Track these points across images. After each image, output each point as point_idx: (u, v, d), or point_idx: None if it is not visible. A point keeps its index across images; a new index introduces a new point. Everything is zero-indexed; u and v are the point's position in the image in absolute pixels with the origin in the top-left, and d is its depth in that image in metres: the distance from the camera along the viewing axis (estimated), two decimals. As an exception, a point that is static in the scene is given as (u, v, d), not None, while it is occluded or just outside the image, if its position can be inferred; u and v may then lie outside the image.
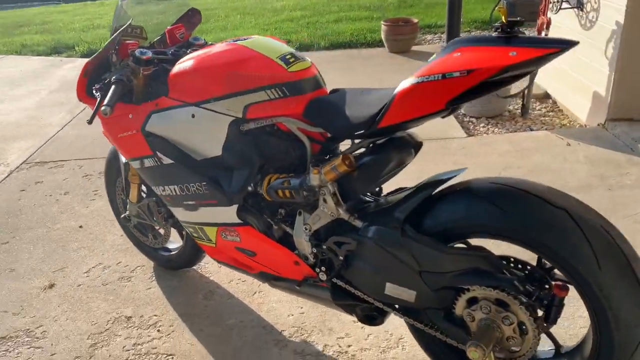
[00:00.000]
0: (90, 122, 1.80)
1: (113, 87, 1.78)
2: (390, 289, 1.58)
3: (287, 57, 1.71)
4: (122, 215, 2.39)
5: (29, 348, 2.11)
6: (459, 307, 1.50)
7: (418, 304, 1.57)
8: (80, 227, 2.93)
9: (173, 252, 2.44)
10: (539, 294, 1.42)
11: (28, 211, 3.14)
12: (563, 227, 1.31)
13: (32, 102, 5.25)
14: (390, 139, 1.62)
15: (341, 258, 1.65)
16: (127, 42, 1.95)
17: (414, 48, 6.09)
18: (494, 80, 1.28)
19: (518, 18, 1.33)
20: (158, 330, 2.16)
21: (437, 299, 1.53)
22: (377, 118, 1.46)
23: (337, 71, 5.38)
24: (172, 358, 2.02)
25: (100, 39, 7.73)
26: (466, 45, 1.34)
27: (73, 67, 6.57)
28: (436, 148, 3.57)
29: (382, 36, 6.07)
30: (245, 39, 1.78)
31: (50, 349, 2.10)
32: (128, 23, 1.98)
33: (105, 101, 1.74)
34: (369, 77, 5.22)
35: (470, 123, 4.01)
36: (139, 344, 2.09)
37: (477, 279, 1.44)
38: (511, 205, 1.38)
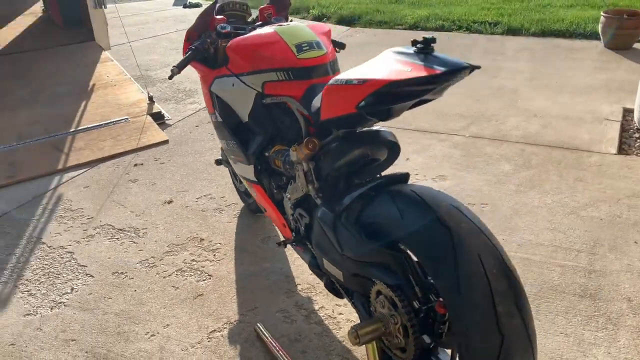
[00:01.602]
0: (169, 78, 2.29)
1: (188, 53, 2.23)
2: (326, 264, 1.75)
3: (304, 45, 1.92)
4: (216, 159, 2.91)
5: (129, 241, 2.80)
6: (372, 297, 1.61)
7: (346, 284, 1.71)
8: (216, 162, 3.57)
9: (251, 198, 2.88)
10: (427, 306, 1.46)
11: (189, 143, 3.93)
12: (440, 246, 1.33)
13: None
14: (362, 132, 1.74)
15: (302, 229, 1.86)
16: (217, 17, 2.37)
17: (637, 46, 5.31)
18: (397, 91, 1.35)
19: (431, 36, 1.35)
20: (214, 255, 2.64)
21: (357, 284, 1.65)
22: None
23: (524, 62, 5.08)
24: (210, 278, 2.48)
25: (332, 4, 8.42)
26: (390, 55, 1.42)
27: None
28: (567, 159, 3.28)
29: (599, 28, 5.42)
30: (283, 25, 2.05)
31: (141, 246, 2.75)
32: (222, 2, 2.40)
33: (176, 63, 2.20)
34: (552, 75, 4.81)
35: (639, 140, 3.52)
36: (195, 261, 2.61)
37: (381, 275, 1.53)
38: (407, 214, 1.43)
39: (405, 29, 6.97)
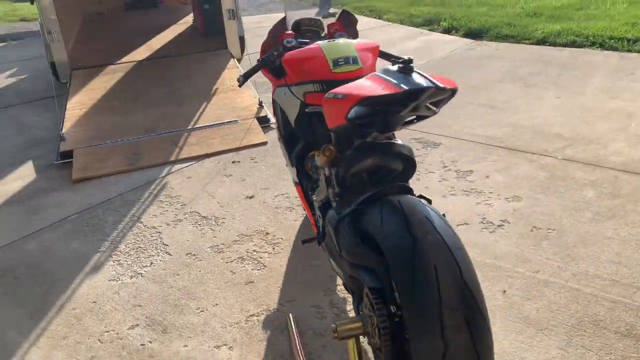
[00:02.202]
0: (239, 86, 2.57)
1: (255, 64, 2.49)
2: (332, 264, 1.88)
3: (340, 60, 2.07)
4: None
5: (208, 228, 3.15)
6: (363, 299, 1.72)
7: (346, 285, 1.83)
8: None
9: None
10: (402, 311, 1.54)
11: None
12: (403, 254, 1.42)
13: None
14: (376, 144, 1.85)
15: (321, 229, 2.01)
16: (287, 31, 2.60)
17: None
18: (373, 105, 1.47)
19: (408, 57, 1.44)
20: (273, 248, 2.88)
21: (353, 285, 1.77)
22: None
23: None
24: (264, 268, 2.73)
25: (464, 17, 8.30)
26: (378, 73, 1.53)
27: (423, 40, 7.44)
28: (662, 190, 3.00)
29: None
30: (329, 41, 2.21)
31: (216, 233, 3.09)
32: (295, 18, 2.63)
33: (242, 72, 2.47)
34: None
35: None
36: (256, 252, 2.87)
37: (366, 278, 1.64)
38: (386, 222, 1.52)
39: (532, 43, 6.67)
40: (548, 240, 2.71)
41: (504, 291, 2.39)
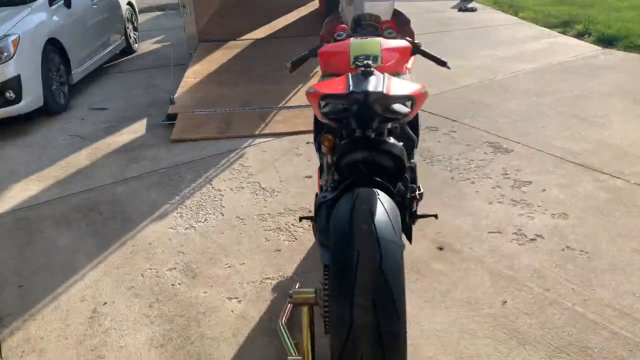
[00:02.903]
0: (290, 72, 2.80)
1: (302, 54, 2.72)
2: (316, 244, 2.08)
3: (361, 57, 2.23)
4: None
5: (262, 198, 3.47)
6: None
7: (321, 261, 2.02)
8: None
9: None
10: None
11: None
12: (337, 236, 1.59)
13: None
14: (368, 138, 2.00)
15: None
16: (340, 25, 2.78)
17: None
18: (335, 103, 1.65)
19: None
20: (309, 225, 3.13)
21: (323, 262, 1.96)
22: None
23: None
24: (294, 241, 2.99)
25: (603, 22, 7.70)
26: (349, 74, 1.70)
27: (548, 42, 7.07)
28: None
29: None
30: (361, 39, 2.37)
31: (267, 204, 3.39)
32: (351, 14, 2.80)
33: (291, 60, 2.71)
34: None
35: None
36: (293, 225, 3.13)
37: (324, 256, 1.83)
38: (339, 207, 1.69)
39: (668, 57, 6.06)
40: (575, 261, 2.64)
41: (505, 302, 2.41)
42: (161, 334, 2.36)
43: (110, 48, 7.00)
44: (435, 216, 2.35)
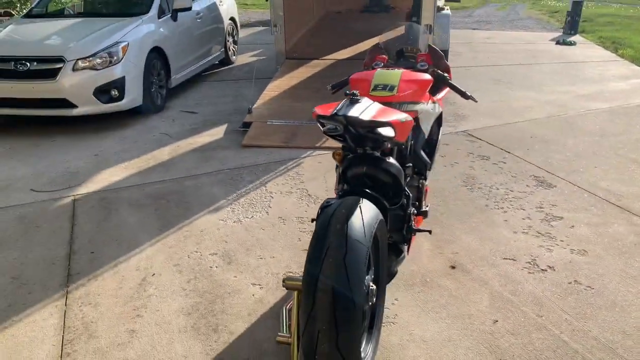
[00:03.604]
0: (331, 93, 3.15)
1: (344, 78, 3.06)
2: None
3: (379, 86, 2.54)
4: None
5: (306, 203, 3.85)
6: None
7: None
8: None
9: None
10: None
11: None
12: (316, 233, 1.93)
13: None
14: (369, 156, 2.31)
15: None
16: (380, 55, 3.10)
17: None
18: (325, 123, 1.99)
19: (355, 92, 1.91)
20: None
21: None
22: None
23: None
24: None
25: None
26: (345, 99, 2.04)
27: (635, 84, 6.88)
28: None
29: None
30: (387, 69, 2.68)
31: (309, 208, 3.76)
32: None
33: (332, 84, 3.07)
34: None
35: None
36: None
37: None
38: (324, 212, 2.02)
39: None
40: (578, 295, 2.75)
41: (496, 321, 2.59)
42: (191, 304, 2.79)
43: (209, 58, 7.75)
44: (429, 231, 2.59)
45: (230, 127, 5.60)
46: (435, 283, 2.90)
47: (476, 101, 2.94)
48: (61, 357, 2.45)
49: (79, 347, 2.51)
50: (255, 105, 5.73)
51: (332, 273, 1.80)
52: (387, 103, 2.52)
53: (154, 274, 3.06)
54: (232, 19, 8.76)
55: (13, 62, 5.36)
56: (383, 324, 2.57)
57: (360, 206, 2.00)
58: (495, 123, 5.49)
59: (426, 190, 2.83)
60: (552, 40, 10.76)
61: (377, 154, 2.32)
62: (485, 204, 3.75)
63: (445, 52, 8.12)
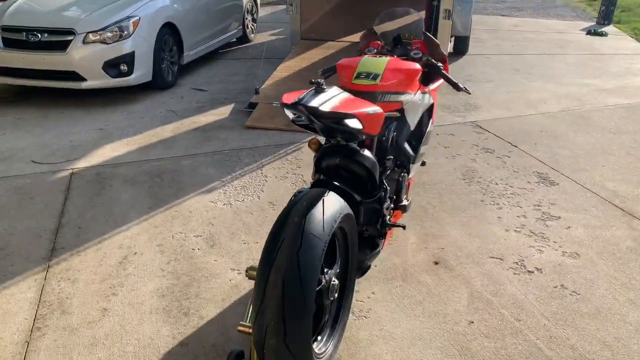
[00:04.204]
0: (324, 78, 3.07)
1: (334, 64, 2.98)
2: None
3: (363, 74, 2.46)
4: None
5: (293, 186, 3.79)
6: None
7: None
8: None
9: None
10: None
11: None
12: (272, 228, 1.88)
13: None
14: (344, 147, 2.24)
15: None
16: (374, 41, 3.00)
17: None
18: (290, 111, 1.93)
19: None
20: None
21: None
22: None
23: None
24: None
25: None
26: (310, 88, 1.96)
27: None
28: None
29: None
30: (373, 56, 2.58)
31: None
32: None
33: (323, 68, 2.99)
34: None
35: None
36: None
37: None
38: (288, 204, 1.96)
39: None
40: (562, 300, 2.65)
41: (471, 322, 2.52)
42: (167, 286, 2.78)
43: (225, 36, 7.69)
44: (403, 227, 2.51)
45: (237, 107, 5.56)
46: (415, 278, 2.83)
47: (469, 93, 2.82)
48: (31, 332, 2.47)
49: (50, 323, 2.52)
50: (263, 86, 5.67)
51: (283, 267, 1.75)
52: (370, 92, 2.44)
53: (135, 253, 3.06)
54: (251, -4, 8.67)
55: (25, 33, 5.40)
56: (355, 318, 2.53)
57: (323, 199, 1.94)
58: (506, 115, 5.32)
59: (409, 183, 2.75)
60: (583, 30, 10.37)
61: (353, 145, 2.25)
62: (480, 199, 3.64)
63: (466, 38, 7.91)
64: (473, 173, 4.02)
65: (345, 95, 2.06)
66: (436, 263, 2.95)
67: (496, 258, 2.99)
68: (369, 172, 2.25)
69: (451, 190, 3.76)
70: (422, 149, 2.85)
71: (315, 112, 1.89)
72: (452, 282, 2.80)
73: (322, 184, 2.17)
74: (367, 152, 2.26)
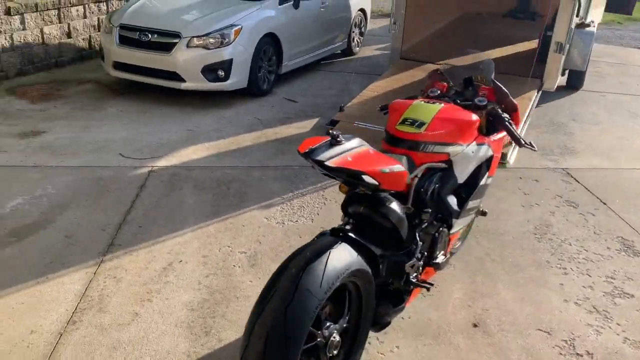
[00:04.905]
0: (384, 114, 2.97)
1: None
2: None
3: (408, 120, 2.34)
4: None
5: (354, 218, 3.72)
6: None
7: None
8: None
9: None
10: None
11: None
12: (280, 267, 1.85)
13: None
14: (359, 195, 2.16)
15: None
16: (439, 82, 2.85)
17: None
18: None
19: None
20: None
21: None
22: None
23: None
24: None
25: None
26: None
27: None
28: None
29: None
30: (428, 102, 2.45)
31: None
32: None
33: (382, 105, 2.89)
34: None
35: None
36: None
37: None
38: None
39: None
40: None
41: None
42: (199, 300, 2.85)
43: (328, 48, 7.77)
44: (428, 287, 2.36)
45: (320, 121, 5.58)
46: (448, 339, 2.65)
47: (534, 149, 2.59)
48: (67, 324, 2.65)
49: (85, 319, 2.69)
50: (349, 104, 5.64)
51: (269, 320, 1.71)
52: (411, 141, 2.32)
53: (180, 261, 3.18)
54: (362, 10, 8.67)
55: (138, 32, 5.82)
56: (370, 372, 2.42)
57: (330, 252, 1.88)
58: (604, 165, 4.84)
59: (449, 239, 2.57)
60: None
61: (381, 194, 2.15)
62: (547, 259, 3.34)
63: (581, 73, 7.32)
64: (547, 228, 3.70)
65: (362, 149, 1.97)
66: (475, 325, 2.75)
67: (544, 332, 2.72)
68: (393, 226, 2.14)
69: (517, 244, 3.49)
70: (471, 203, 2.66)
71: (322, 165, 1.83)
72: (486, 350, 2.59)
73: (338, 232, 2.10)
74: (394, 205, 2.15)
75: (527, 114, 5.59)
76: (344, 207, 2.24)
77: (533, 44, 8.05)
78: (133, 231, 3.46)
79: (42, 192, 3.87)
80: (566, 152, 5.09)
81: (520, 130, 5.27)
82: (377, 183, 1.93)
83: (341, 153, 1.88)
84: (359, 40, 8.84)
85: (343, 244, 1.96)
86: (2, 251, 3.18)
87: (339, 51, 8.38)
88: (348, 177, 1.92)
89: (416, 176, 2.34)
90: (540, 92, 6.26)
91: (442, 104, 2.47)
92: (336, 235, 2.06)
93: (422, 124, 2.34)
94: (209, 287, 2.96)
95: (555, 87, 6.42)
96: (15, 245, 3.25)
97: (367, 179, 1.90)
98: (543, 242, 3.52)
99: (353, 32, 8.47)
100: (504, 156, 4.61)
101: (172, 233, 3.46)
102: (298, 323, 1.72)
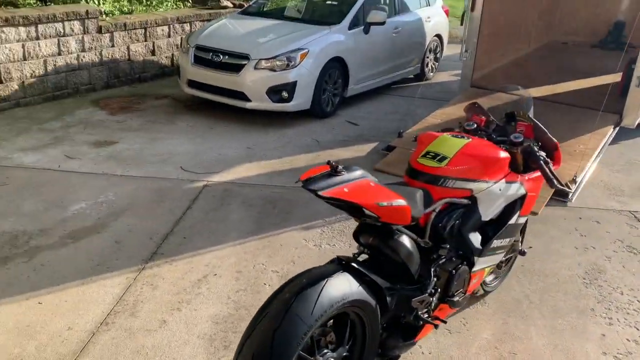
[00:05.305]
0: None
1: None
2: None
3: (431, 154, 2.31)
4: None
5: (393, 246, 3.68)
6: None
7: None
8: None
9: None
10: None
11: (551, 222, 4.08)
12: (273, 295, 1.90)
13: None
14: (368, 226, 2.16)
15: None
16: (476, 115, 2.79)
17: None
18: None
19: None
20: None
21: None
22: None
23: None
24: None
25: None
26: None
27: None
28: None
29: None
30: (455, 137, 2.41)
31: (392, 253, 3.60)
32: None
33: (415, 135, 2.87)
34: None
35: None
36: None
37: None
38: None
39: None
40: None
41: None
42: (224, 315, 2.94)
43: (398, 73, 7.76)
44: (436, 325, 2.29)
45: (378, 146, 5.59)
46: (465, 380, 2.56)
47: (570, 190, 2.48)
48: (100, 325, 2.82)
49: (118, 321, 2.85)
50: (409, 130, 5.61)
51: (257, 342, 1.75)
52: (431, 175, 2.29)
53: (215, 274, 3.29)
54: (438, 35, 8.60)
55: (211, 53, 6.13)
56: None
57: (328, 279, 1.90)
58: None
59: (470, 277, 2.49)
60: None
61: (392, 226, 2.14)
62: (592, 306, 3.13)
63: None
64: (599, 274, 3.47)
65: (362, 181, 1.97)
66: (497, 368, 2.63)
67: (573, 384, 2.55)
68: (401, 260, 2.12)
69: (561, 288, 3.31)
70: (497, 242, 2.56)
71: (316, 195, 1.85)
72: (505, 397, 2.47)
73: (342, 261, 2.11)
74: (404, 239, 2.13)
75: (598, 150, 5.30)
76: (356, 235, 2.24)
77: (617, 77, 7.62)
78: (177, 242, 3.63)
79: (104, 199, 4.15)
80: (638, 194, 4.76)
81: (589, 167, 5.00)
82: (375, 216, 1.93)
83: (339, 184, 1.90)
84: (433, 66, 8.76)
85: (344, 273, 1.97)
86: (58, 251, 3.45)
87: (412, 76, 8.35)
88: (350, 208, 1.93)
89: (434, 210, 2.29)
90: (618, 128, 5.91)
91: (470, 139, 2.42)
92: (340, 264, 2.07)
93: (444, 158, 2.31)
94: (236, 302, 3.04)
95: (637, 124, 6.04)
96: (70, 246, 3.51)
97: (368, 211, 1.91)
98: (591, 288, 3.31)
99: (427, 57, 8.41)
100: (565, 194, 4.38)
101: (213, 246, 3.59)
102: (284, 347, 1.74)
